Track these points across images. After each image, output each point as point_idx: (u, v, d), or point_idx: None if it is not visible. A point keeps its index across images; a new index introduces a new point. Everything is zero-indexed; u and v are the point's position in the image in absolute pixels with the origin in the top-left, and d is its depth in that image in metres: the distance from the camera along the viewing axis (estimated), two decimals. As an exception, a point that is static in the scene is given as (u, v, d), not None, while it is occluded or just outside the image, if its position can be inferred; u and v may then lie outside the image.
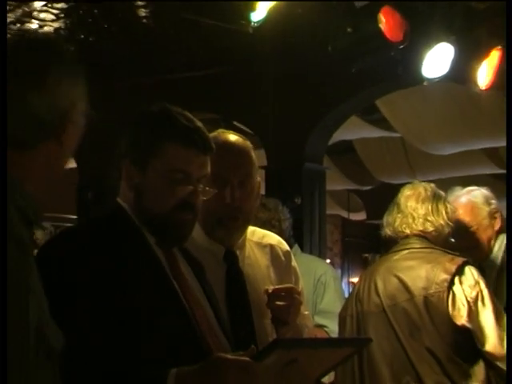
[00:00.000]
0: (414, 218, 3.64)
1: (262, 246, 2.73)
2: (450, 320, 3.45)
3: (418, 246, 3.63)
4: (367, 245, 13.46)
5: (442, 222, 3.64)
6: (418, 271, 3.54)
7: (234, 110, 7.38)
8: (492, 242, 3.94)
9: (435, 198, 3.66)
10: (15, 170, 1.77)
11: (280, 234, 4.75)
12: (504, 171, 9.68)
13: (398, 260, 3.66)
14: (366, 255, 13.11)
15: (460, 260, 3.52)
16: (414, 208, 3.66)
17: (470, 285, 3.47)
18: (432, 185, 3.78)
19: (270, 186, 6.73)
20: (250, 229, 2.73)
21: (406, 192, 3.73)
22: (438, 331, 3.47)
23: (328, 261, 6.28)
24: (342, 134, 7.89)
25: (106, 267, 2.03)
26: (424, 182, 3.92)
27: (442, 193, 3.74)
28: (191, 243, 2.35)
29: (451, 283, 3.46)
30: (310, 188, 6.94)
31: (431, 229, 3.63)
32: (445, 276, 3.47)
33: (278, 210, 4.45)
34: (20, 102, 1.83)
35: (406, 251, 3.65)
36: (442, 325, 3.47)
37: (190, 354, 2.01)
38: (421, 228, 3.63)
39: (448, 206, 3.67)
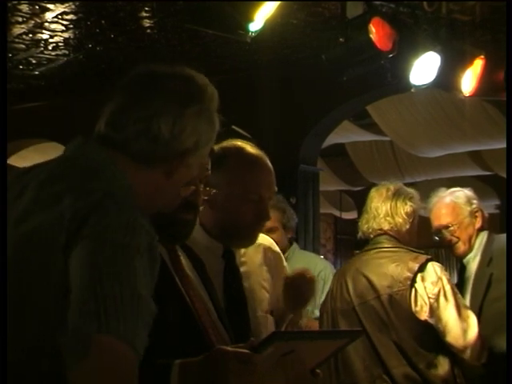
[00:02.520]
0: (375, 218, 3.67)
1: (255, 246, 2.73)
2: (413, 316, 3.47)
3: (386, 246, 3.64)
4: (358, 242, 13.45)
5: (400, 220, 3.64)
6: (384, 270, 3.56)
7: (233, 116, 7.38)
8: (473, 239, 3.97)
9: (395, 197, 3.66)
10: (132, 179, 1.70)
11: (288, 232, 4.76)
12: (487, 173, 9.70)
13: (367, 259, 3.67)
14: (357, 252, 13.11)
15: (423, 258, 3.54)
16: (376, 208, 3.68)
17: (432, 281, 3.49)
18: (399, 184, 3.80)
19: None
20: None
21: (371, 193, 3.77)
22: (404, 326, 3.49)
23: (321, 257, 6.29)
24: (334, 138, 7.89)
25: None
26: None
27: (409, 190, 3.75)
28: (193, 241, 2.35)
29: (413, 281, 3.47)
30: (305, 188, 6.95)
31: (388, 227, 3.63)
32: (407, 274, 3.48)
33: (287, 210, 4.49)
34: (151, 120, 1.74)
35: (374, 250, 3.67)
36: (406, 320, 3.49)
37: (192, 346, 2.00)
38: (380, 227, 3.64)
39: (407, 202, 3.67)
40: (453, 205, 3.98)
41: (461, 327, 3.47)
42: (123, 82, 1.83)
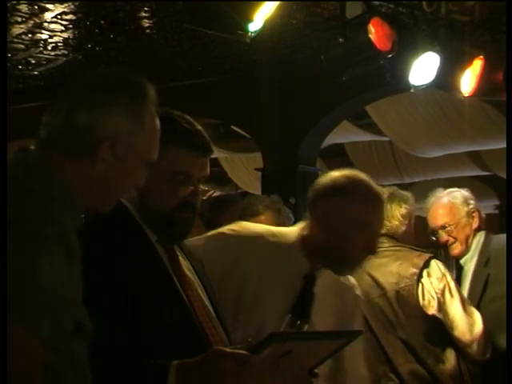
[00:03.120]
0: None
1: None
2: (421, 311, 3.52)
3: (387, 245, 3.66)
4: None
5: (396, 222, 3.72)
6: (388, 268, 3.60)
7: (233, 116, 7.38)
8: (470, 239, 3.98)
9: (389, 201, 3.70)
10: (64, 174, 1.76)
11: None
12: (486, 173, 9.70)
13: (369, 259, 3.68)
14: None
15: (426, 255, 3.60)
16: None
17: (437, 277, 3.55)
18: (393, 188, 3.86)
19: (266, 187, 6.74)
20: None
21: None
22: (411, 322, 3.53)
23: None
24: (333, 138, 7.89)
25: (110, 264, 2.02)
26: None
27: (404, 193, 3.81)
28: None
29: (420, 276, 3.53)
30: (304, 189, 6.92)
31: (384, 230, 3.62)
32: (413, 270, 3.54)
33: (281, 204, 4.49)
34: (70, 113, 1.80)
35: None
36: (414, 316, 3.55)
37: (191, 347, 2.00)
38: None
39: (402, 205, 3.73)
40: (450, 205, 3.99)
41: (467, 322, 3.53)
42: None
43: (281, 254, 2.61)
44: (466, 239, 3.97)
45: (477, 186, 9.35)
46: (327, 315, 2.61)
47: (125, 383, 1.94)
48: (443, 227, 3.97)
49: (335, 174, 2.69)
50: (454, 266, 4.17)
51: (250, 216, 4.13)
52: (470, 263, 3.98)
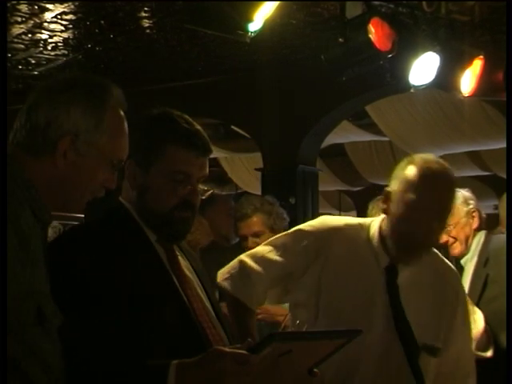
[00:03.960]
0: None
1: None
2: None
3: None
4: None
5: None
6: None
7: (233, 116, 7.38)
8: (470, 239, 3.98)
9: None
10: (28, 172, 1.80)
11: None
12: (485, 173, 9.70)
13: None
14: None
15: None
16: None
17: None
18: None
19: (266, 187, 6.74)
20: None
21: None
22: None
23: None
24: (333, 138, 7.89)
25: (110, 263, 2.02)
26: None
27: None
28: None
29: None
30: (304, 189, 6.94)
31: None
32: None
33: (276, 205, 4.47)
34: (31, 112, 1.84)
35: None
36: None
37: (190, 346, 2.00)
38: None
39: None
40: None
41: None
42: None
43: (358, 247, 2.65)
44: (466, 239, 3.98)
45: (477, 186, 9.36)
46: (422, 305, 2.63)
47: (125, 383, 1.94)
48: None
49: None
50: (454, 266, 4.18)
51: (240, 219, 4.13)
52: (470, 263, 3.98)
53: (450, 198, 2.63)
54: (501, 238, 3.94)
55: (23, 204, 1.76)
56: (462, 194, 4.06)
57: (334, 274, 2.60)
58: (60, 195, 1.86)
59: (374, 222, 2.69)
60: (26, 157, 1.82)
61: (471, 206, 4.01)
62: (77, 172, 1.85)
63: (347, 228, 2.70)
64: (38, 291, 1.73)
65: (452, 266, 2.82)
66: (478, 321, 3.58)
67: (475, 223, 3.99)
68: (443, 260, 2.80)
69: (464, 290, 2.91)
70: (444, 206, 2.59)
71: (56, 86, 1.89)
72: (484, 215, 4.06)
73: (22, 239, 1.71)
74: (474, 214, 4.00)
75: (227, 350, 1.88)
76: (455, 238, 3.98)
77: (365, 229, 2.69)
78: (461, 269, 4.05)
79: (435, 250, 2.77)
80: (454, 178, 2.68)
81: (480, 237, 3.98)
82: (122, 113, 1.94)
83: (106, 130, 1.87)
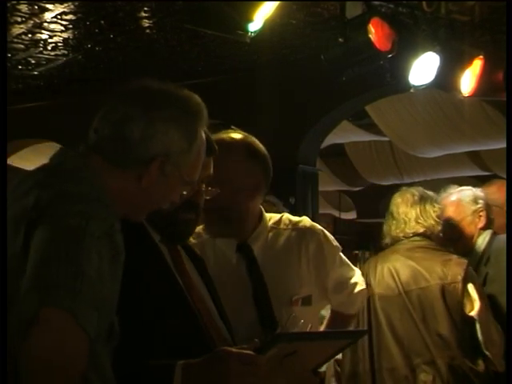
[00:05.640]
0: (405, 223, 3.79)
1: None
2: (461, 310, 3.59)
3: (424, 243, 3.77)
4: (357, 242, 13.47)
5: (432, 221, 3.79)
6: (431, 262, 3.67)
7: (233, 116, 7.37)
8: (474, 238, 3.99)
9: (422, 201, 3.80)
10: (103, 179, 1.76)
11: None
12: (485, 173, 9.70)
13: (409, 250, 3.76)
14: (356, 252, 13.14)
15: (465, 260, 3.69)
16: (405, 213, 3.79)
17: (479, 284, 3.66)
18: (420, 188, 3.93)
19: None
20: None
21: (397, 199, 3.87)
22: (450, 318, 3.59)
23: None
24: (333, 138, 7.89)
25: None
26: (411, 185, 4.05)
27: (430, 193, 3.89)
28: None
29: (466, 279, 3.60)
30: (304, 189, 6.94)
31: (422, 230, 3.77)
32: (459, 270, 3.61)
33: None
34: (123, 123, 1.79)
35: (412, 244, 3.77)
36: (454, 313, 3.59)
37: (195, 347, 2.00)
38: (413, 230, 3.80)
39: (435, 205, 3.83)
40: (457, 202, 4.05)
41: (500, 333, 3.58)
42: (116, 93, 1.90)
43: None
44: (471, 237, 4.01)
45: (476, 186, 9.34)
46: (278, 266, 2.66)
47: (130, 383, 1.94)
48: (447, 222, 4.00)
49: None
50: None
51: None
52: (473, 262, 3.99)
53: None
54: (503, 237, 3.96)
55: (113, 214, 1.71)
56: (473, 192, 4.10)
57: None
58: (130, 207, 1.84)
59: None
60: (106, 165, 1.79)
61: (479, 206, 4.04)
62: (155, 190, 1.83)
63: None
64: (115, 307, 1.71)
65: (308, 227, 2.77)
66: (500, 338, 3.61)
67: (481, 222, 4.02)
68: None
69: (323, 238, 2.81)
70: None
71: (152, 100, 1.84)
72: (493, 216, 4.07)
73: (115, 254, 1.67)
74: (481, 214, 4.03)
75: (233, 350, 1.88)
76: (459, 235, 4.01)
77: None
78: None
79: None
80: (242, 148, 2.62)
81: (485, 236, 4.00)
82: (204, 134, 1.91)
83: (193, 153, 1.85)
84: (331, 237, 2.81)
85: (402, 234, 3.78)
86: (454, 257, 3.70)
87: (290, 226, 2.73)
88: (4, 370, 1.54)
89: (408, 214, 3.77)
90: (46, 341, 1.47)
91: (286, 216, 2.81)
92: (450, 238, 4.00)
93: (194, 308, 2.11)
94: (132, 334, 1.96)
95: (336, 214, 13.20)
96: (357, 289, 2.93)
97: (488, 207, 4.05)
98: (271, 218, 2.77)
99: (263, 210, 2.77)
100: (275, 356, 1.87)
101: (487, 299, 3.64)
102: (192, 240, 2.58)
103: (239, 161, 2.58)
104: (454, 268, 3.61)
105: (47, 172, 1.77)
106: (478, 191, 4.12)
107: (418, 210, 3.77)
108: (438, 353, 3.58)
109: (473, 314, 3.57)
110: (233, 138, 2.63)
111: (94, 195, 1.70)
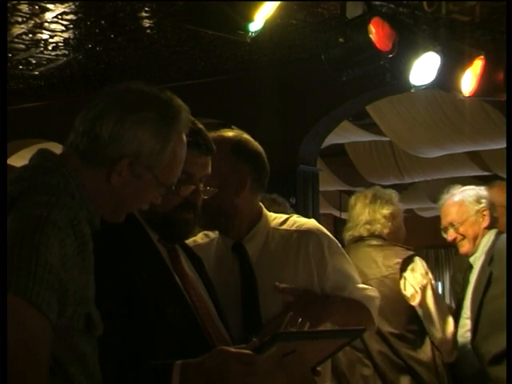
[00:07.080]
0: (357, 225, 3.97)
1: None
2: (402, 300, 3.74)
3: (374, 242, 3.92)
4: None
5: (378, 225, 3.94)
6: (372, 258, 3.82)
7: (233, 116, 7.37)
8: (478, 238, 3.99)
9: (372, 203, 3.96)
10: (80, 178, 1.80)
11: None
12: (486, 173, 9.70)
13: (356, 251, 3.86)
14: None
15: (411, 252, 3.85)
16: (357, 215, 3.98)
17: (421, 273, 3.79)
18: (376, 188, 4.09)
19: (267, 187, 6.72)
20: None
21: (352, 201, 4.09)
22: (390, 310, 3.68)
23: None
24: (334, 138, 7.88)
25: (112, 263, 2.02)
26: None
27: (387, 194, 4.03)
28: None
29: (403, 269, 3.76)
30: (304, 188, 6.94)
31: (367, 234, 3.93)
32: (397, 260, 3.77)
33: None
34: (96, 122, 1.81)
35: (363, 244, 3.93)
36: (394, 304, 3.71)
37: (193, 346, 2.00)
38: (360, 234, 3.95)
39: (385, 207, 3.95)
40: (460, 203, 4.04)
41: (442, 320, 3.74)
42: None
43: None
44: (475, 237, 4.00)
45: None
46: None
47: (128, 383, 1.94)
48: (451, 224, 4.00)
49: None
50: (451, 266, 4.26)
51: None
52: (478, 261, 4.00)
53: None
54: (505, 237, 3.95)
55: (83, 208, 1.76)
56: (476, 192, 4.10)
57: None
58: (106, 207, 1.85)
59: None
60: (81, 163, 1.81)
61: (482, 205, 4.03)
62: (128, 190, 1.84)
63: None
64: (90, 298, 1.73)
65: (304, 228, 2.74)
66: (449, 324, 3.76)
67: (485, 222, 4.01)
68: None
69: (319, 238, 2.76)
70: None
71: (127, 100, 1.85)
72: (496, 215, 4.06)
73: (81, 244, 1.70)
74: (484, 213, 4.02)
75: (232, 350, 1.88)
76: (463, 236, 4.00)
77: None
78: (470, 267, 4.06)
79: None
80: (228, 145, 2.61)
81: (490, 235, 4.00)
82: (184, 138, 1.90)
83: (167, 156, 1.85)
84: (333, 238, 2.80)
85: (350, 238, 3.97)
86: (398, 249, 3.84)
87: (293, 228, 2.69)
88: (4, 370, 1.54)
89: (360, 216, 3.94)
90: (10, 326, 1.53)
91: (293, 218, 2.76)
92: (454, 238, 4.01)
93: (192, 307, 2.11)
94: (130, 334, 1.96)
95: (336, 213, 13.18)
96: (357, 289, 2.93)
97: (491, 206, 4.04)
98: (276, 218, 2.74)
99: (264, 209, 2.75)
100: (274, 355, 1.87)
101: (436, 289, 3.80)
102: (199, 240, 2.59)
103: (223, 157, 2.52)
104: (394, 259, 3.75)
105: (25, 169, 1.81)
106: (481, 190, 4.11)
107: (367, 212, 3.92)
108: (376, 346, 3.72)
109: (416, 303, 3.71)
110: (220, 135, 2.61)
111: (62, 186, 1.74)
